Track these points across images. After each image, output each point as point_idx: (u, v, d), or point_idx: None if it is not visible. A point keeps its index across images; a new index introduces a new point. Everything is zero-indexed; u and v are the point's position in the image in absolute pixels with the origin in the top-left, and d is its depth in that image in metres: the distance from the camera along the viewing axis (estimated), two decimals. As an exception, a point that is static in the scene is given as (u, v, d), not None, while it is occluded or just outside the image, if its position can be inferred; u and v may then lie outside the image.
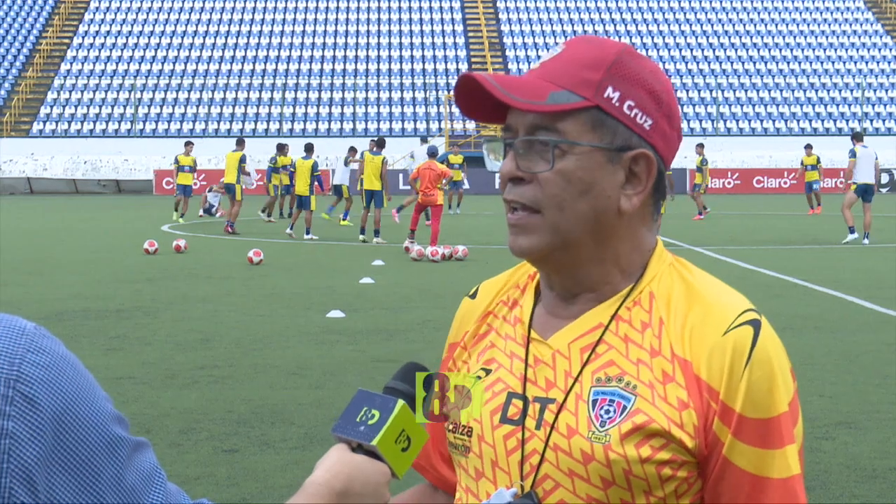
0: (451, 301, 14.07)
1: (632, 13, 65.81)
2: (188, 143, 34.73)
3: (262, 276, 17.18)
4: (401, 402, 1.49)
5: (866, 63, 61.87)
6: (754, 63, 61.44)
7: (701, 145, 36.02)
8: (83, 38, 62.85)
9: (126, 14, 64.73)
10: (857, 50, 63.00)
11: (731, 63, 61.45)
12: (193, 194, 35.08)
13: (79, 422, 1.30)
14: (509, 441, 1.64)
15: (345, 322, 12.38)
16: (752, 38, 63.66)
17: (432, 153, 24.80)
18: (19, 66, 61.01)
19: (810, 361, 9.95)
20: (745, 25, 64.70)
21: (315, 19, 64.85)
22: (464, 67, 60.18)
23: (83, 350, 10.52)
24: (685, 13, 65.94)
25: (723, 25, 64.77)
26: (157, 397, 8.63)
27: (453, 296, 14.54)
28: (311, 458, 6.77)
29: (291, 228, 26.16)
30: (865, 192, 23.88)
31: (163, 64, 60.95)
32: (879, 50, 62.99)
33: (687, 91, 58.64)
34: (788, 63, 61.48)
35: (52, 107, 58.14)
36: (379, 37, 63.29)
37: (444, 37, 63.56)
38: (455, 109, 53.88)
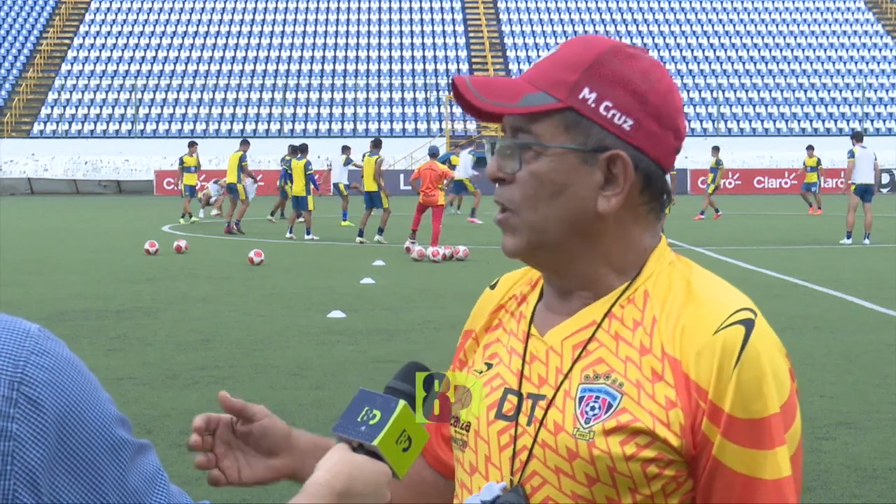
0: (451, 301, 14.08)
1: (632, 13, 65.82)
2: (192, 144, 34.47)
3: (262, 277, 17.19)
4: (402, 403, 1.50)
5: (867, 63, 61.87)
6: (754, 63, 61.44)
7: (717, 148, 36.01)
8: (84, 38, 62.86)
9: (126, 14, 64.74)
10: (858, 50, 63.00)
11: (732, 63, 61.45)
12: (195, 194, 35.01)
13: (82, 424, 1.31)
14: (503, 437, 1.65)
15: (345, 322, 12.38)
16: (752, 38, 63.66)
17: (433, 153, 24.80)
18: (20, 66, 61.02)
19: (810, 361, 9.96)
20: (745, 25, 64.70)
21: (315, 19, 64.86)
22: (464, 68, 60.18)
23: (83, 351, 10.52)
24: (685, 13, 65.95)
25: (723, 25, 64.77)
26: (157, 398, 8.64)
27: (454, 296, 14.54)
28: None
29: (291, 231, 26.08)
30: (865, 192, 23.90)
31: (163, 64, 60.96)
32: (880, 50, 63.00)
33: (687, 91, 58.64)
34: (789, 63, 61.48)
35: (52, 107, 58.16)
36: (380, 37, 63.30)
37: (444, 37, 63.56)
38: (456, 110, 53.89)
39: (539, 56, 2.44)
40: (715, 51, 62.55)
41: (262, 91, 59.07)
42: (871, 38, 64.05)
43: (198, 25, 64.11)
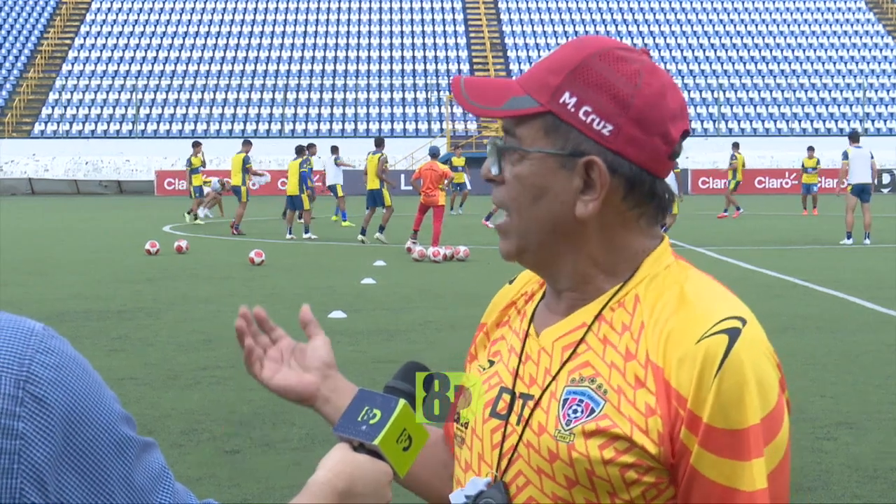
0: (452, 302, 14.08)
1: (632, 13, 65.83)
2: (196, 144, 34.25)
3: (263, 277, 17.20)
4: (402, 402, 1.51)
5: (867, 63, 61.88)
6: (755, 63, 61.45)
7: (736, 144, 36.19)
8: (84, 38, 62.89)
9: (127, 15, 64.76)
10: (859, 50, 63.01)
11: (732, 63, 61.46)
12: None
13: (88, 422, 1.31)
14: (495, 435, 1.66)
15: (346, 322, 12.39)
16: (752, 38, 63.68)
17: (434, 153, 24.81)
18: (21, 66, 61.04)
19: (811, 361, 9.95)
20: (745, 25, 64.71)
21: (316, 20, 64.88)
22: (465, 68, 60.20)
23: (85, 351, 10.51)
24: (685, 13, 65.96)
25: (723, 25, 64.78)
26: (158, 398, 8.64)
27: (454, 296, 14.55)
28: (312, 458, 6.78)
29: (291, 233, 26.05)
30: (862, 192, 23.88)
31: (164, 64, 60.98)
32: (881, 50, 63.01)
33: (688, 91, 58.64)
34: (789, 63, 61.49)
35: (53, 107, 58.18)
36: (381, 37, 63.32)
37: (445, 37, 63.58)
38: (457, 110, 53.90)
39: (539, 56, 2.45)
40: (715, 51, 62.56)
41: (263, 91, 59.09)
42: (871, 38, 64.06)
43: (199, 26, 64.13)
